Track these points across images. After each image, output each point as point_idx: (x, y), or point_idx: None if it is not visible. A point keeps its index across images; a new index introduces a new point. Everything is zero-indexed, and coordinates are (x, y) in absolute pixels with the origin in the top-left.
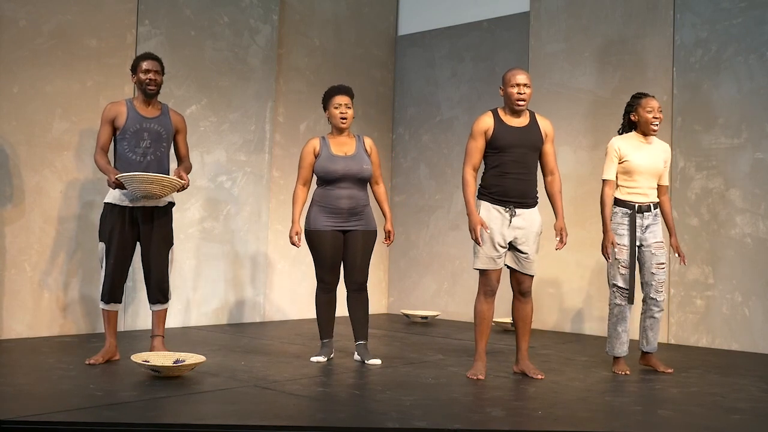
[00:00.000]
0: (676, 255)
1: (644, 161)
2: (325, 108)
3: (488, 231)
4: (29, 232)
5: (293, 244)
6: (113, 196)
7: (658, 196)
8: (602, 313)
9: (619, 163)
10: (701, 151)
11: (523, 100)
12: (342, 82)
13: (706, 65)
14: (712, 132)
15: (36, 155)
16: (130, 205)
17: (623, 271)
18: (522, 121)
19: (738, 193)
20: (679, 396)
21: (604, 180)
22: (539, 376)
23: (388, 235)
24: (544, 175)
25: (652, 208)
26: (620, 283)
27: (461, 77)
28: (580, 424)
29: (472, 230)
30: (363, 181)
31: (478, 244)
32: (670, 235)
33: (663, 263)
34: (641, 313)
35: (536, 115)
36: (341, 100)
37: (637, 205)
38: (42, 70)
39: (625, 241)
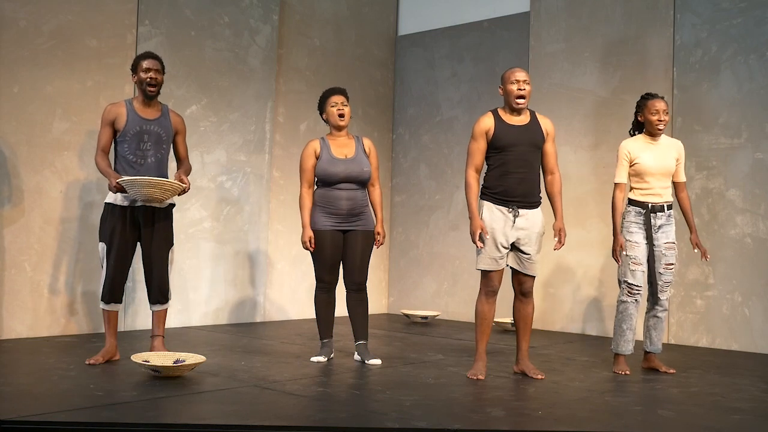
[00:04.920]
0: (695, 250)
1: (654, 162)
2: (322, 111)
3: (488, 237)
4: (29, 232)
5: (306, 248)
6: (114, 196)
7: (676, 194)
8: (602, 313)
9: (630, 166)
10: (701, 151)
11: (523, 96)
12: (342, 82)
13: (706, 65)
14: (712, 132)
15: (36, 155)
16: (131, 206)
17: (634, 267)
18: (522, 120)
19: (738, 193)
20: (679, 396)
21: (615, 183)
22: (539, 376)
23: (377, 237)
24: (545, 175)
25: (666, 208)
26: (630, 280)
27: (461, 77)
28: (580, 424)
29: (472, 234)
30: (363, 183)
31: (478, 247)
32: (691, 232)
33: (672, 264)
34: (645, 313)
35: (536, 114)
36: (337, 99)
37: (650, 204)
38: (42, 70)
39: (637, 238)
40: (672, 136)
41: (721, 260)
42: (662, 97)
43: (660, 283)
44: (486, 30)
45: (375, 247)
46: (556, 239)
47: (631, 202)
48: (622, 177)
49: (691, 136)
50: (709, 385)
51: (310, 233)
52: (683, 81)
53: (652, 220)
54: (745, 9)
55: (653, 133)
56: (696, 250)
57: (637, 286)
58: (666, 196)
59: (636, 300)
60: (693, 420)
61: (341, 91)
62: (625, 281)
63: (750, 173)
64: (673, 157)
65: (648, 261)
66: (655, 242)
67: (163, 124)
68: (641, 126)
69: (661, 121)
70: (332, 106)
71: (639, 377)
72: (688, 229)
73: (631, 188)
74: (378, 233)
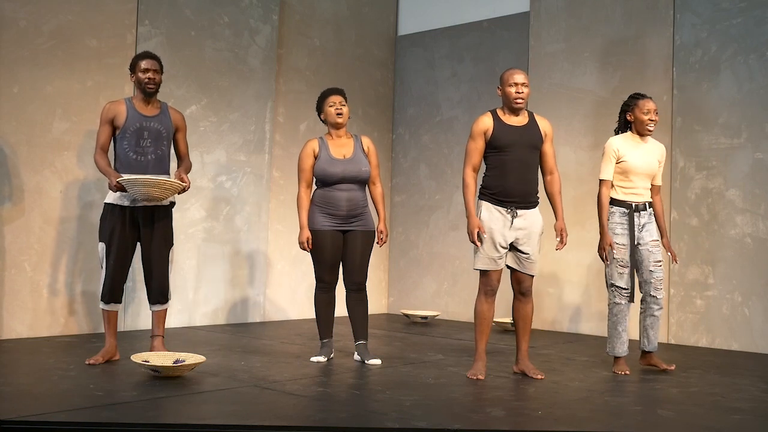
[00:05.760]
0: (668, 254)
1: (641, 161)
2: (320, 111)
3: (485, 235)
4: (29, 232)
5: (304, 249)
6: (113, 196)
7: (650, 196)
8: (602, 313)
9: (617, 163)
10: (701, 151)
11: (522, 98)
12: (342, 82)
13: (706, 65)
14: (712, 132)
15: (36, 155)
16: (131, 206)
17: (621, 270)
18: (521, 120)
19: (738, 193)
20: (679, 396)
21: (601, 180)
22: (539, 376)
23: (380, 236)
24: (544, 175)
25: (647, 206)
26: (618, 283)
27: (461, 77)
28: (580, 424)
29: (469, 233)
30: (362, 183)
31: (476, 246)
32: (662, 236)
33: (660, 261)
34: (640, 313)
35: (535, 114)
36: (335, 99)
37: (634, 204)
38: (42, 70)
39: (623, 240)
40: (672, 136)
41: (721, 260)
42: (651, 97)
43: (653, 280)
44: (486, 30)
45: (378, 245)
46: (558, 239)
47: (614, 202)
48: (608, 174)
49: (691, 136)
50: (709, 385)
51: (307, 234)
52: (683, 81)
53: (636, 220)
54: (745, 9)
55: (643, 133)
56: (668, 254)
57: (626, 288)
58: (647, 196)
59: (628, 301)
60: (693, 420)
61: (339, 91)
62: (613, 284)
63: (750, 173)
64: (657, 159)
65: (636, 262)
66: (641, 241)
67: (162, 120)
68: (627, 125)
69: (652, 120)
70: (330, 106)
71: (638, 377)
72: (660, 233)
73: (614, 186)
74: (381, 231)
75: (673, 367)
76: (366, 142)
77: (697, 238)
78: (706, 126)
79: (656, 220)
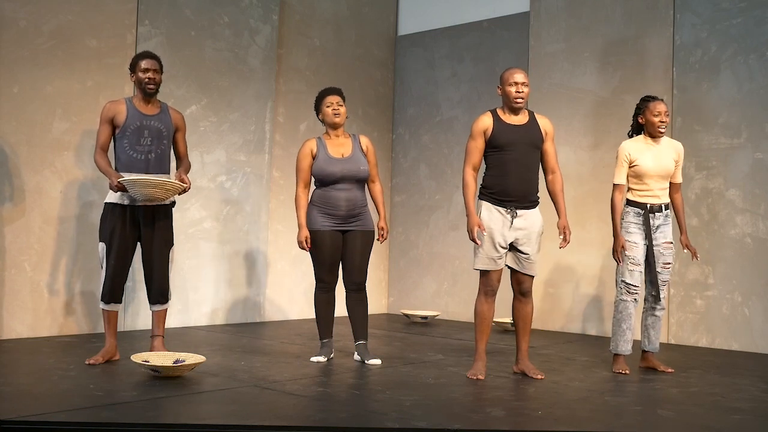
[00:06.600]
0: (685, 251)
1: (653, 164)
2: (318, 111)
3: (485, 233)
4: (29, 232)
5: (302, 248)
6: (114, 195)
7: (670, 194)
8: (602, 313)
9: (630, 167)
10: (701, 151)
11: (522, 98)
12: (342, 82)
13: (706, 65)
14: (712, 132)
15: (36, 155)
16: (131, 205)
17: (632, 267)
18: (521, 119)
19: (738, 193)
20: (679, 396)
21: (615, 184)
22: (539, 376)
23: (381, 233)
24: (546, 174)
25: (663, 208)
26: (628, 280)
27: (461, 77)
28: (580, 424)
29: (469, 231)
30: (361, 182)
31: (476, 244)
32: (681, 233)
33: (669, 263)
34: (643, 312)
35: (535, 114)
36: (332, 99)
37: (649, 205)
38: (42, 70)
39: (636, 239)
40: (672, 136)
41: (721, 260)
42: (662, 99)
43: (658, 281)
44: (486, 30)
45: (378, 242)
46: (561, 237)
47: (630, 203)
48: (621, 178)
49: (691, 136)
50: (709, 385)
51: (306, 233)
52: (683, 81)
53: (650, 221)
54: (745, 9)
55: (654, 135)
56: (686, 251)
57: (635, 286)
58: (664, 197)
59: (635, 299)
60: (693, 420)
61: (337, 91)
62: (623, 281)
63: (750, 173)
64: (672, 158)
65: (647, 261)
66: (654, 242)
67: (163, 119)
68: (640, 128)
69: (663, 122)
70: (327, 107)
71: (638, 377)
72: (680, 230)
73: (630, 189)
74: (381, 228)
75: (671, 371)
76: (364, 141)
77: (697, 238)
78: (706, 126)
79: (677, 218)
